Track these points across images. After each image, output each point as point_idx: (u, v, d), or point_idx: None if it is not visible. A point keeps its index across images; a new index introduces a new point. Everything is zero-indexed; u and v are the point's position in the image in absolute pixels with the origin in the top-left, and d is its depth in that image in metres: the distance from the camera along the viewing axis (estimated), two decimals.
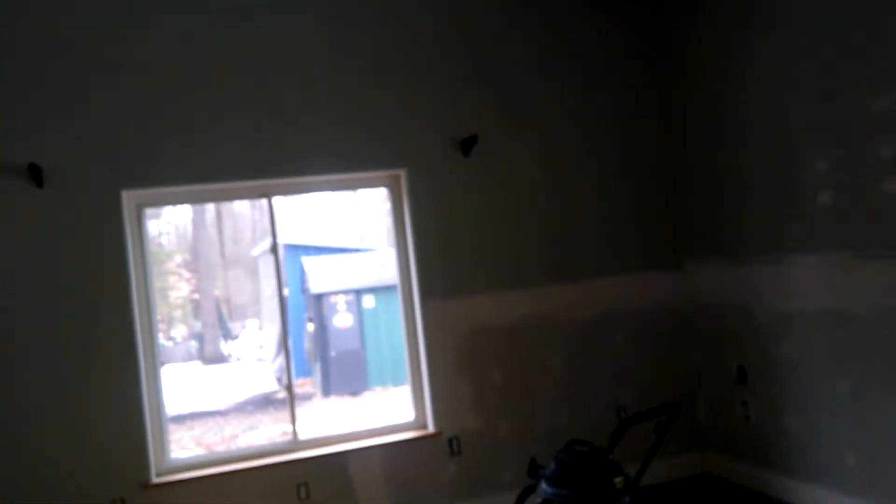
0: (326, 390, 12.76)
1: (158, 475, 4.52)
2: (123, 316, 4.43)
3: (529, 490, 3.88)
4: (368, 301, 12.84)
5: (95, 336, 4.38)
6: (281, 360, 14.60)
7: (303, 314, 13.66)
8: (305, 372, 13.55)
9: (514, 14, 5.20)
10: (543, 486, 3.65)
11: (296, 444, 4.85)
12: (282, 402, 12.60)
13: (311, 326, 13.27)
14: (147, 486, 4.39)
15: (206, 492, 4.51)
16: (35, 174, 4.29)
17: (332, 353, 12.76)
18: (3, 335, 4.25)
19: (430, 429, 4.96)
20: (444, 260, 4.99)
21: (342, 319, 12.77)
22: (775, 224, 4.57)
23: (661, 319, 5.40)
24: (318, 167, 4.83)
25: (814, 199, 4.26)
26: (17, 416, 4.24)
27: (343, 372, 12.61)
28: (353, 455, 4.79)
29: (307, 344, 13.52)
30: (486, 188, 5.09)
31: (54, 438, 4.29)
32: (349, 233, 18.80)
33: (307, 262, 13.47)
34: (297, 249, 14.08)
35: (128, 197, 4.57)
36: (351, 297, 12.76)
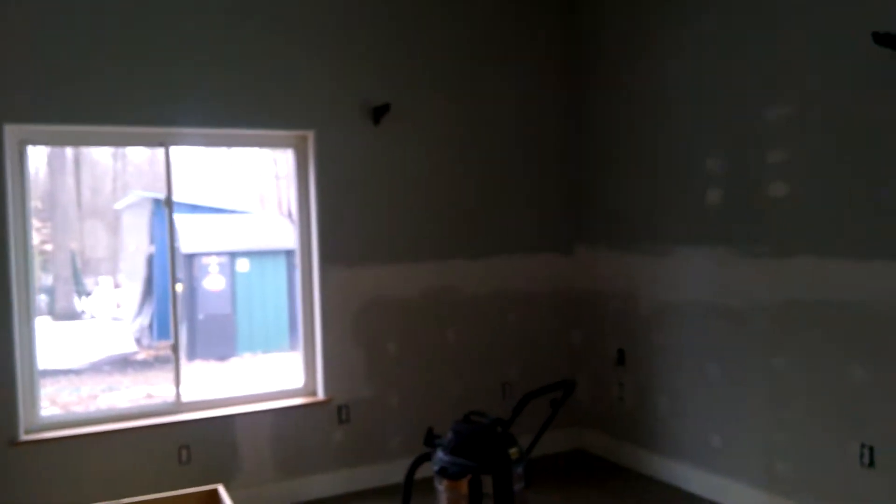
0: (192, 354, 12.32)
1: (27, 433, 4.22)
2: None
3: (423, 458, 3.95)
4: (243, 265, 12.48)
5: None
6: (141, 319, 13.95)
7: (168, 274, 13.07)
8: (168, 334, 13.01)
9: None
10: (440, 454, 3.73)
11: (178, 406, 4.67)
12: (141, 363, 12.06)
13: (179, 287, 12.73)
14: (16, 443, 4.10)
15: (79, 452, 4.27)
16: None
17: (201, 316, 12.32)
18: None
19: (320, 396, 4.93)
20: (347, 228, 4.94)
21: (214, 282, 12.34)
22: (664, 217, 4.86)
23: (551, 300, 5.62)
24: (221, 119, 4.63)
25: (703, 196, 4.56)
26: None
27: (211, 336, 12.22)
28: (239, 419, 4.68)
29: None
30: (395, 159, 5.07)
31: None
32: (229, 194, 18.11)
33: (180, 219, 12.89)
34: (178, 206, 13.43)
35: (10, 131, 4.20)
36: (225, 259, 12.35)
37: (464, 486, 3.62)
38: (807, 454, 3.98)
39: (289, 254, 13.40)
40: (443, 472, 3.66)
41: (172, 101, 4.47)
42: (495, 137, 5.40)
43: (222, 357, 12.05)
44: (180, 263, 12.74)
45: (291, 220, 14.12)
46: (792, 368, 4.05)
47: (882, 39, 3.40)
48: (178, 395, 4.69)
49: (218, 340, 12.19)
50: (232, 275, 12.40)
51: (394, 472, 4.89)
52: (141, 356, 12.36)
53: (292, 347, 13.34)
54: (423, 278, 5.15)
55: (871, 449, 3.64)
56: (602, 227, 5.42)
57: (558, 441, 5.53)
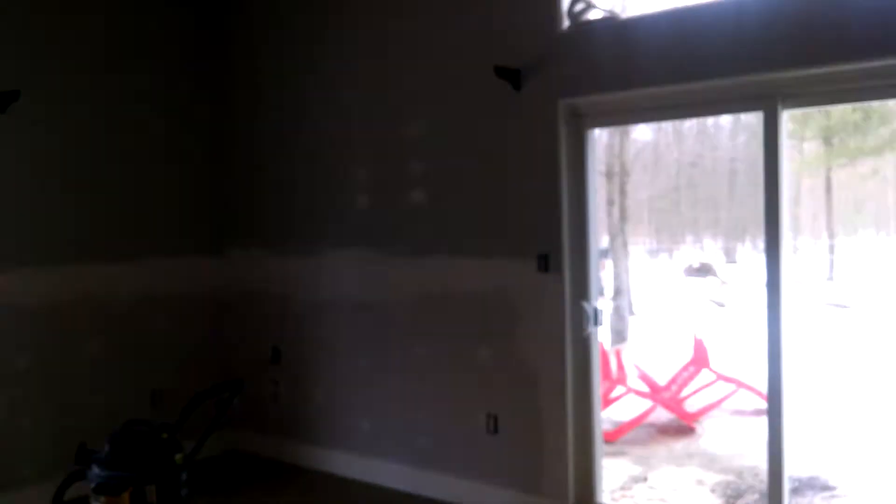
0: None
1: None
2: None
3: (74, 477, 3.64)
4: None
5: None
6: None
7: None
8: None
9: None
10: (95, 470, 3.50)
11: None
12: None
13: None
14: None
15: None
16: None
17: None
18: None
19: None
20: None
21: None
22: (316, 221, 5.15)
23: (201, 303, 5.53)
24: None
25: (353, 202, 4.95)
26: None
27: None
28: None
29: None
30: (22, 152, 4.56)
31: None
32: None
33: None
34: None
35: None
36: None
37: (126, 500, 3.46)
38: (444, 427, 4.57)
39: None
40: (100, 489, 3.44)
41: None
42: (140, 139, 5.16)
43: None
44: None
45: None
46: (430, 353, 4.62)
47: (501, 73, 4.09)
48: None
49: None
50: None
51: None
52: None
53: None
54: (56, 283, 4.70)
55: (496, 417, 4.34)
56: (253, 231, 5.52)
57: (212, 444, 5.45)
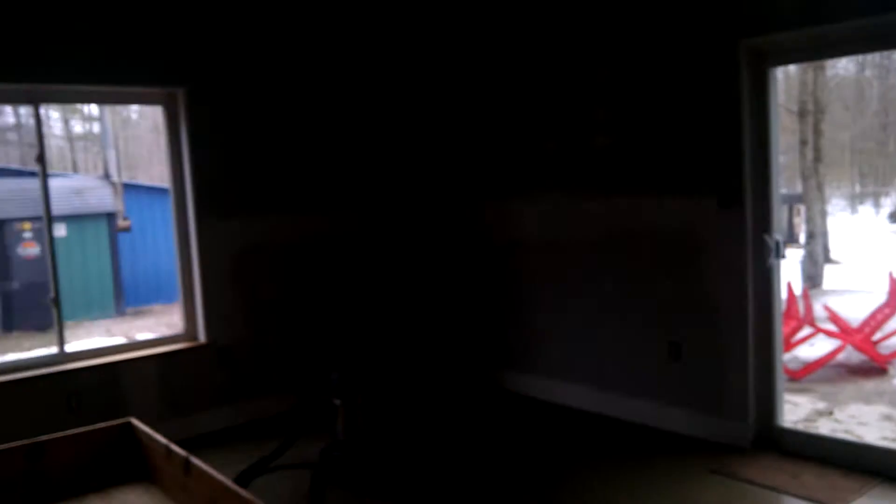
0: (8, 325, 11.62)
1: None
2: None
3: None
4: (59, 230, 11.88)
5: None
6: None
7: None
8: None
9: None
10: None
11: (62, 357, 4.78)
12: None
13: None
14: None
15: None
16: None
17: (15, 285, 11.64)
18: None
19: (202, 339, 5.23)
20: (220, 182, 5.22)
21: (28, 248, 11.68)
22: (509, 167, 5.64)
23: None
24: (86, 75, 4.71)
25: (542, 147, 5.37)
26: None
27: (27, 305, 11.58)
28: (124, 366, 4.88)
29: None
30: (265, 115, 5.41)
31: None
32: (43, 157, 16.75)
33: None
34: None
35: None
36: (40, 224, 11.69)
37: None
38: (628, 354, 4.95)
39: (110, 217, 12.92)
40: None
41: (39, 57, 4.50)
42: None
43: (41, 327, 11.48)
44: None
45: (109, 182, 13.54)
46: (615, 288, 4.99)
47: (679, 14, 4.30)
48: (61, 347, 4.79)
49: (36, 310, 11.58)
50: (49, 241, 11.77)
51: (271, 406, 5.35)
52: None
53: (118, 312, 12.94)
54: (288, 228, 5.54)
55: (679, 345, 4.65)
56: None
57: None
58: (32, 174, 13.28)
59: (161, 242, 12.90)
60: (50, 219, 4.90)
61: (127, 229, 12.79)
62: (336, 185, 5.79)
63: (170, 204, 5.26)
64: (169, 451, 2.64)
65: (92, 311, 12.10)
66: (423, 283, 6.30)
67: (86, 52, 4.66)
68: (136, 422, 2.98)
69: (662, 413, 4.76)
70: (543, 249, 5.43)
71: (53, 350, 4.82)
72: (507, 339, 5.80)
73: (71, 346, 4.90)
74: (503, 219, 5.73)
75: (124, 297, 13.03)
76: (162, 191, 12.38)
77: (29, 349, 9.71)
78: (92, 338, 10.56)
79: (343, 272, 5.83)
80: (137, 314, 12.92)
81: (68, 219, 11.94)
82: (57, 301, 4.85)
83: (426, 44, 6.16)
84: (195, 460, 2.46)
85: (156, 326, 11.53)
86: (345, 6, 5.76)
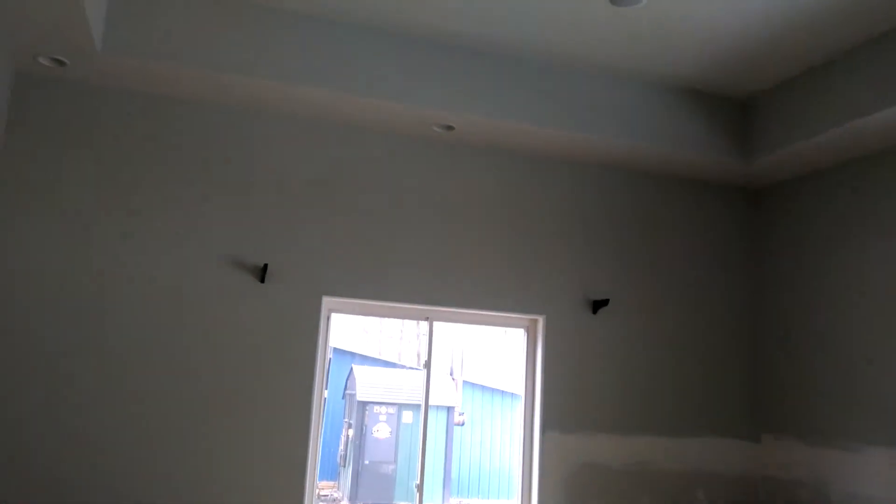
0: (354, 496, 13.16)
1: None
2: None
3: None
4: (407, 416, 13.47)
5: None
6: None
7: (341, 418, 14.25)
8: (331, 475, 13.99)
9: (639, 193, 6.37)
10: None
11: None
12: None
13: (350, 432, 13.85)
14: None
15: None
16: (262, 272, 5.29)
17: (366, 461, 13.27)
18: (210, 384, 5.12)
19: None
20: (565, 399, 5.86)
21: (381, 430, 13.37)
22: (845, 414, 5.49)
23: (736, 486, 6.21)
24: (472, 302, 5.81)
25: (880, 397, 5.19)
26: None
27: (373, 481, 13.07)
28: None
29: (341, 448, 14.04)
30: (606, 343, 6.05)
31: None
32: (399, 352, 19.63)
33: (358, 369, 14.22)
34: (346, 355, 14.85)
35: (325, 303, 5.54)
36: (393, 410, 13.41)
37: None
38: None
39: (449, 410, 14.35)
40: None
41: (434, 284, 5.71)
42: (684, 331, 6.31)
43: (377, 500, 12.78)
44: (352, 409, 13.93)
45: (451, 378, 15.13)
46: None
47: None
48: None
49: (379, 486, 13.00)
50: (397, 425, 13.40)
51: None
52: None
53: (443, 500, 13.94)
54: (624, 449, 5.93)
55: None
56: (790, 416, 6.06)
57: None
58: (390, 364, 15.40)
59: (488, 440, 13.93)
60: (426, 410, 5.87)
61: (461, 423, 14.08)
62: (693, 409, 6.11)
63: (518, 410, 6.01)
64: None
65: (424, 495, 13.19)
66: None
67: (470, 284, 5.80)
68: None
69: None
70: None
71: None
72: None
73: None
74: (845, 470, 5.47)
75: (450, 486, 14.07)
76: (495, 391, 13.64)
77: None
78: None
79: None
80: None
81: (414, 407, 13.56)
82: (421, 487, 5.71)
83: None
84: None
85: None
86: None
